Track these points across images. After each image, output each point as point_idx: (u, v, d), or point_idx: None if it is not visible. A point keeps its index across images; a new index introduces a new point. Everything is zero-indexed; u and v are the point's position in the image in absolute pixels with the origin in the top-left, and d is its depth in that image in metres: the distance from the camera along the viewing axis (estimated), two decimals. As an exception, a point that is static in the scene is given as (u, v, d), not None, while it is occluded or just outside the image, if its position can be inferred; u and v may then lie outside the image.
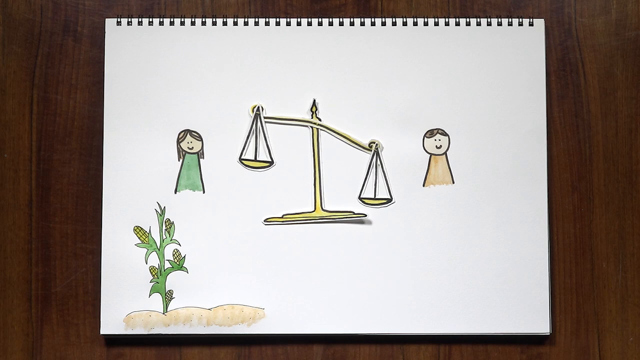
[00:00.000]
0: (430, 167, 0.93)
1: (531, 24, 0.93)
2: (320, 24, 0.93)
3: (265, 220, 0.92)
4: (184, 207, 0.92)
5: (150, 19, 0.93)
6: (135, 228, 0.92)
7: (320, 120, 0.93)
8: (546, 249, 0.92)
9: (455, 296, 0.92)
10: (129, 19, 0.93)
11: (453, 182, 0.93)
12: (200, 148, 0.92)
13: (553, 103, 0.94)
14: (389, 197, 0.93)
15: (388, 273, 0.92)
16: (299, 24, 0.93)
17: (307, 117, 0.93)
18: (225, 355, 0.93)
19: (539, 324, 0.92)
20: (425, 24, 0.93)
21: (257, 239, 0.92)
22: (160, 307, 0.91)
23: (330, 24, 0.93)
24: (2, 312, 0.92)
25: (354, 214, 0.92)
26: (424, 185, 0.93)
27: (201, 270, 0.92)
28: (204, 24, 0.93)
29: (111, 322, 0.91)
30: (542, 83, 0.93)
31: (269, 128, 0.93)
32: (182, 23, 0.93)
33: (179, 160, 0.92)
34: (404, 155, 0.93)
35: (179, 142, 0.93)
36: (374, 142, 0.93)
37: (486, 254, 0.92)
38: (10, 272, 0.93)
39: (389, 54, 0.93)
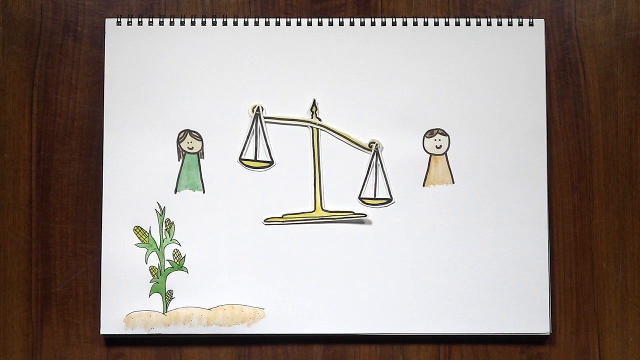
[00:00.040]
0: (430, 167, 0.93)
1: (531, 24, 0.93)
2: (320, 24, 0.93)
3: (265, 220, 0.92)
4: (184, 207, 0.92)
5: (150, 19, 0.93)
6: (135, 228, 0.92)
7: (320, 120, 0.93)
8: (546, 249, 0.92)
9: (455, 296, 0.92)
10: (129, 19, 0.93)
11: (453, 182, 0.93)
12: (200, 148, 0.92)
13: (553, 103, 0.94)
14: (389, 197, 0.93)
15: (388, 273, 0.92)
16: (299, 24, 0.93)
17: (307, 117, 0.93)
18: (225, 355, 0.93)
19: (539, 324, 0.92)
20: (425, 24, 0.93)
21: (257, 239, 0.92)
22: (160, 307, 0.91)
23: (330, 24, 0.93)
24: (2, 312, 0.92)
25: (354, 214, 0.92)
26: (424, 185, 0.93)
27: (201, 270, 0.92)
28: (204, 24, 0.93)
29: (111, 322, 0.91)
30: (542, 83, 0.93)
31: (269, 128, 0.93)
32: (182, 23, 0.93)
33: (179, 160, 0.92)
34: (404, 155, 0.93)
35: (179, 142, 0.93)
36: (374, 142, 0.93)
37: (486, 254, 0.92)
38: (10, 272, 0.93)
39: (389, 54, 0.93)
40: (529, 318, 0.92)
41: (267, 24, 0.93)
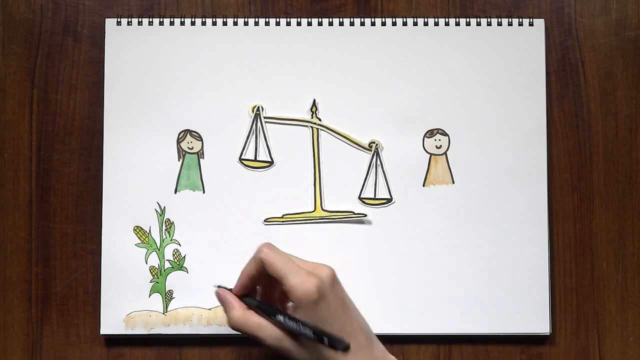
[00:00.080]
0: (430, 167, 0.93)
1: (531, 24, 0.93)
2: (320, 24, 0.93)
3: (265, 220, 0.92)
4: (184, 207, 0.92)
5: (150, 19, 0.93)
6: (135, 228, 0.92)
7: (320, 120, 0.93)
8: (546, 249, 0.92)
9: (455, 296, 0.92)
10: (129, 19, 0.93)
11: (453, 182, 0.93)
12: (200, 148, 0.92)
13: (553, 103, 0.94)
14: (389, 197, 0.93)
15: (388, 273, 0.92)
16: (299, 24, 0.93)
17: (307, 117, 0.93)
18: (225, 355, 0.93)
19: (539, 324, 0.92)
20: (425, 24, 0.93)
21: (257, 239, 0.91)
22: (160, 307, 0.91)
23: (330, 24, 0.93)
24: (2, 312, 0.92)
25: (354, 214, 0.92)
26: (424, 185, 0.93)
27: (201, 270, 0.92)
28: (204, 24, 0.93)
29: (111, 322, 0.91)
30: (542, 83, 0.93)
31: (269, 128, 0.93)
32: (182, 23, 0.93)
33: (179, 160, 0.92)
34: (404, 155, 0.93)
35: (179, 142, 0.93)
36: (374, 142, 0.93)
37: (486, 254, 0.92)
38: (10, 272, 0.93)
39: (389, 54, 0.93)
40: (529, 318, 0.92)
41: (267, 24, 0.93)
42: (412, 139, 0.93)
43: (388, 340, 0.93)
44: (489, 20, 0.93)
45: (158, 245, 0.92)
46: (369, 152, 0.93)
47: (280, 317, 0.79)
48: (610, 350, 0.93)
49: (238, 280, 0.83)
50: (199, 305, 0.91)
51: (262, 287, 0.83)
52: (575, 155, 0.94)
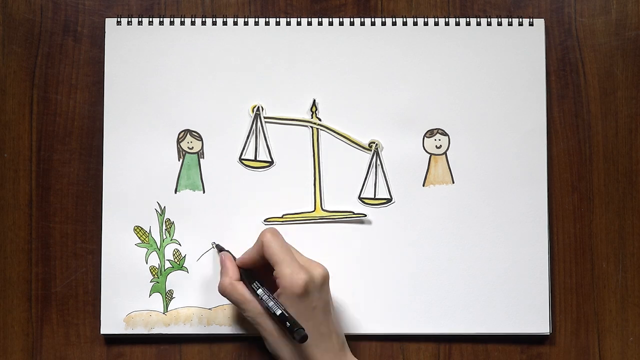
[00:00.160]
0: (430, 167, 0.93)
1: (531, 24, 0.93)
2: (320, 24, 0.93)
3: (265, 220, 0.92)
4: (184, 207, 0.92)
5: (150, 19, 0.93)
6: (135, 228, 0.92)
7: (320, 120, 0.93)
8: (546, 249, 0.92)
9: (455, 296, 0.92)
10: (129, 19, 0.93)
11: (453, 182, 0.93)
12: (200, 148, 0.92)
13: (553, 103, 0.94)
14: (389, 197, 0.93)
15: (388, 273, 0.92)
16: (299, 24, 0.93)
17: (307, 117, 0.93)
18: (225, 355, 0.93)
19: (539, 324, 0.92)
20: (425, 24, 0.93)
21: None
22: (160, 307, 0.91)
23: (330, 24, 0.93)
24: (2, 312, 0.92)
25: (354, 214, 0.92)
26: (424, 185, 0.93)
27: (201, 270, 0.92)
28: (204, 24, 0.93)
29: (111, 322, 0.91)
30: (542, 83, 0.93)
31: (269, 128, 0.93)
32: (182, 23, 0.93)
33: (179, 160, 0.92)
34: (404, 155, 0.93)
35: (179, 142, 0.93)
36: (374, 142, 0.93)
37: (486, 254, 0.92)
38: (10, 272, 0.93)
39: (389, 54, 0.93)
40: (529, 318, 0.92)
41: (267, 24, 0.93)
42: (412, 139, 0.93)
43: (388, 340, 0.93)
44: (489, 20, 0.93)
45: (158, 245, 0.92)
46: (369, 152, 0.93)
47: (260, 291, 0.84)
48: (610, 350, 0.93)
49: (242, 255, 0.88)
50: (199, 305, 0.91)
51: (262, 269, 0.87)
52: (575, 155, 0.94)
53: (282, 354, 0.85)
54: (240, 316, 0.91)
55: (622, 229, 0.94)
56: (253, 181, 0.92)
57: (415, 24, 0.93)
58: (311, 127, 0.93)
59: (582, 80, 0.94)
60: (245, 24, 0.93)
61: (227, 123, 0.93)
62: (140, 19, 0.93)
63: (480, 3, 0.95)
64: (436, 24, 0.93)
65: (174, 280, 0.92)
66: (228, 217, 0.92)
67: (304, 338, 0.80)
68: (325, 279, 0.85)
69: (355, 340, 0.92)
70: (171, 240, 0.92)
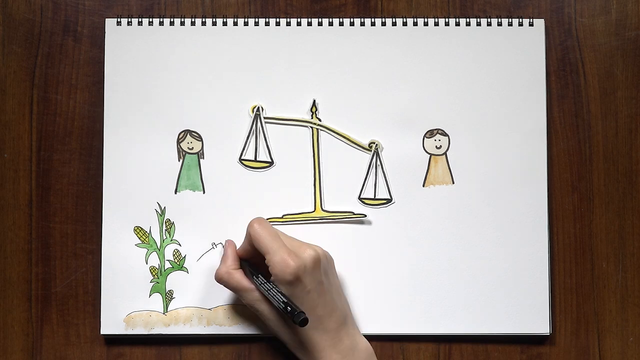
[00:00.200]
0: (430, 167, 0.93)
1: (531, 24, 0.93)
2: (320, 24, 0.93)
3: (265, 221, 0.92)
4: (184, 207, 0.92)
5: (150, 19, 0.93)
6: (135, 228, 0.92)
7: (320, 120, 0.93)
8: (546, 249, 0.92)
9: (455, 296, 0.92)
10: (129, 19, 0.93)
11: (453, 182, 0.93)
12: (200, 148, 0.92)
13: (553, 103, 0.94)
14: (389, 197, 0.93)
15: (388, 273, 0.92)
16: (299, 24, 0.93)
17: (307, 117, 0.93)
18: (225, 355, 0.93)
19: (539, 324, 0.92)
20: (425, 24, 0.93)
21: (257, 239, 0.92)
22: (160, 307, 0.91)
23: (330, 24, 0.93)
24: (2, 312, 0.92)
25: (354, 214, 0.92)
26: (424, 186, 0.93)
27: (201, 270, 0.92)
28: (204, 24, 0.93)
29: (111, 322, 0.91)
30: (542, 83, 0.93)
31: (269, 128, 0.93)
32: (182, 23, 0.93)
33: (179, 160, 0.92)
34: (404, 155, 0.93)
35: (179, 142, 0.93)
36: (374, 142, 0.93)
37: (486, 254, 0.92)
38: (10, 272, 0.93)
39: (389, 54, 0.93)
40: (529, 318, 0.92)
41: (267, 24, 0.93)
42: (412, 139, 0.93)
43: (388, 340, 0.93)
44: (489, 21, 0.93)
45: (158, 245, 0.92)
46: (369, 152, 0.93)
47: (258, 279, 0.85)
48: (610, 350, 0.93)
49: (240, 245, 0.89)
50: (199, 305, 0.91)
51: (260, 257, 0.87)
52: (575, 155, 0.94)
53: (282, 337, 0.87)
54: (240, 316, 0.91)
55: (622, 229, 0.94)
56: (253, 181, 0.92)
57: (415, 24, 0.93)
58: (311, 127, 0.93)
59: (582, 80, 0.94)
60: (245, 24, 0.93)
61: (227, 123, 0.93)
62: (140, 19, 0.93)
63: (480, 3, 0.95)
64: (436, 24, 0.93)
65: (174, 280, 0.92)
66: (228, 218, 0.92)
67: (305, 321, 0.80)
68: (316, 260, 0.85)
69: (355, 340, 0.92)
70: (171, 240, 0.92)
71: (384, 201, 0.93)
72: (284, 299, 0.82)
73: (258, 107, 0.93)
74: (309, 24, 0.93)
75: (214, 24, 0.93)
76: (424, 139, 0.93)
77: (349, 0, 0.95)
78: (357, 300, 0.92)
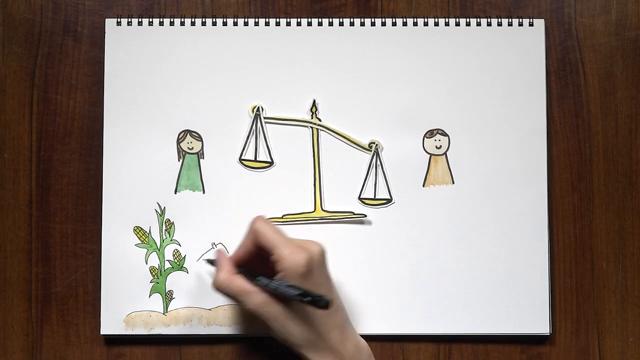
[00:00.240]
0: (430, 167, 0.93)
1: (531, 24, 0.93)
2: (320, 24, 0.93)
3: (265, 221, 0.92)
4: (184, 207, 0.92)
5: (150, 19, 0.93)
6: (135, 228, 0.92)
7: (320, 120, 0.93)
8: (546, 249, 0.92)
9: (455, 296, 0.92)
10: (129, 19, 0.93)
11: (453, 182, 0.93)
12: (200, 148, 0.92)
13: (553, 103, 0.94)
14: (389, 197, 0.93)
15: (388, 273, 0.92)
16: (299, 24, 0.93)
17: (307, 117, 0.93)
18: (225, 355, 0.93)
19: (539, 324, 0.92)
20: (425, 24, 0.93)
21: (257, 239, 0.92)
22: (160, 307, 0.91)
23: (330, 24, 0.93)
24: (2, 312, 0.92)
25: (354, 214, 0.92)
26: (424, 186, 0.93)
27: (201, 271, 0.92)
28: (204, 24, 0.93)
29: (111, 322, 0.91)
30: (542, 83, 0.93)
31: (269, 128, 0.93)
32: (182, 23, 0.93)
33: (179, 160, 0.92)
34: (404, 155, 0.93)
35: (179, 142, 0.93)
36: (374, 142, 0.93)
37: (486, 254, 0.92)
38: (10, 272, 0.93)
39: (389, 54, 0.93)
40: (529, 318, 0.92)
41: (267, 24, 0.93)
42: (412, 139, 0.93)
43: (388, 340, 0.93)
44: (489, 21, 0.93)
45: (158, 245, 0.92)
46: (369, 152, 0.93)
47: (264, 280, 0.82)
48: (610, 350, 0.93)
49: (235, 251, 0.87)
50: (199, 305, 0.91)
51: (257, 260, 0.86)
52: (575, 155, 0.94)
53: (291, 338, 0.83)
54: (240, 317, 0.91)
55: (622, 229, 0.94)
56: (253, 181, 0.92)
57: (415, 24, 0.93)
58: (311, 127, 0.93)
59: (582, 80, 0.94)
60: (245, 24, 0.93)
61: (227, 123, 0.93)
62: (140, 19, 0.93)
63: (480, 3, 0.95)
64: (436, 24, 0.93)
65: (173, 280, 0.92)
66: (228, 218, 0.92)
67: (328, 303, 0.77)
68: (323, 255, 0.84)
69: (355, 341, 0.92)
70: (171, 240, 0.92)
71: (384, 201, 0.93)
72: (302, 288, 0.79)
73: (258, 107, 0.93)
74: (309, 24, 0.93)
75: (214, 24, 0.93)
76: (424, 139, 0.93)
77: (349, 0, 0.95)
78: (357, 301, 0.92)
